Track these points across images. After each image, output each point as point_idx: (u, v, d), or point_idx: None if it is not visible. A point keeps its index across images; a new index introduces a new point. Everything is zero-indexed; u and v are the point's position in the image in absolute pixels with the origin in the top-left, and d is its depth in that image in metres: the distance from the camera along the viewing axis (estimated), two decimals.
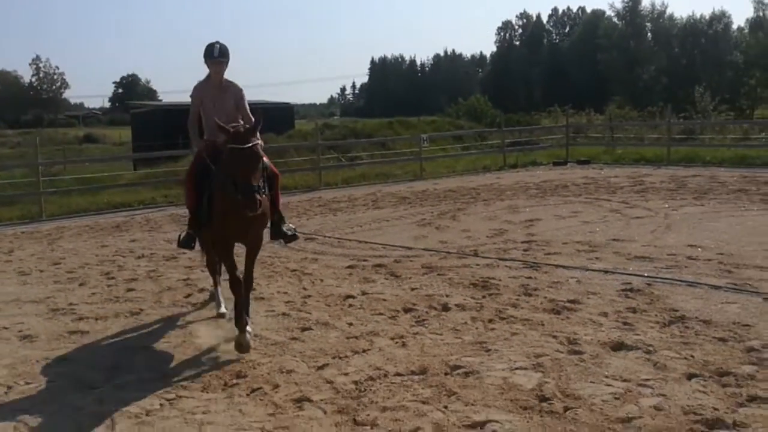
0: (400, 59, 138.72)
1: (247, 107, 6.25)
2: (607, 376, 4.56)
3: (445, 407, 4.21)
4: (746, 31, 58.80)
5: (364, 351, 5.33)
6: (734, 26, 60.11)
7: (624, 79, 56.86)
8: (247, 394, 4.63)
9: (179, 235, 6.16)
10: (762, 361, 4.66)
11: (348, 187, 18.50)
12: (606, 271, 7.38)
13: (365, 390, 4.57)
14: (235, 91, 6.23)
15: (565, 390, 4.37)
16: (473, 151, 24.24)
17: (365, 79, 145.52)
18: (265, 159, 5.65)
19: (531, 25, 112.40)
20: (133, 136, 38.70)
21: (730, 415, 3.87)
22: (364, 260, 8.74)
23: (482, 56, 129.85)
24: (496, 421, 3.98)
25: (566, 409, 4.10)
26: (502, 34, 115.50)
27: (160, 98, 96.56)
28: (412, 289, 7.12)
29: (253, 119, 5.88)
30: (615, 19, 65.58)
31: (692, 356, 4.82)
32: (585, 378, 4.55)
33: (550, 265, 7.79)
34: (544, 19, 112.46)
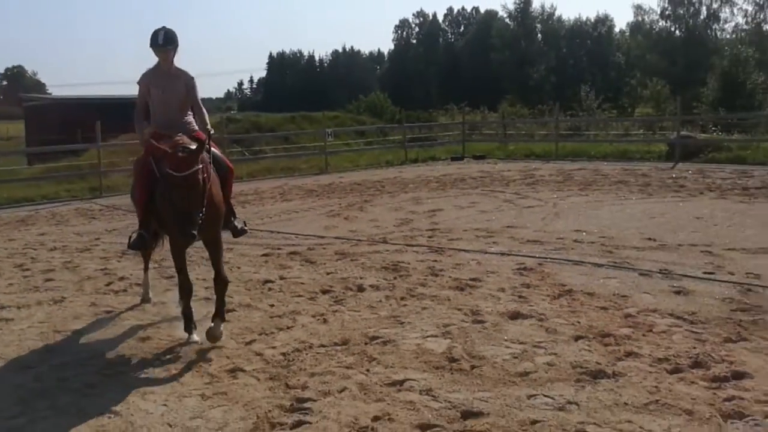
0: (298, 54, 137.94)
1: (199, 97, 5.99)
2: (506, 340, 5.20)
3: (367, 370, 4.72)
4: (627, 34, 62.66)
5: (288, 328, 5.74)
6: (617, 29, 64.00)
7: (516, 78, 59.32)
8: (183, 368, 4.96)
9: (129, 237, 5.88)
10: (637, 325, 5.43)
11: (254, 180, 18.72)
12: (502, 254, 8.11)
13: (293, 360, 5.00)
14: (186, 80, 5.89)
15: (471, 352, 4.97)
16: (375, 146, 24.92)
17: (263, 73, 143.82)
18: (217, 152, 5.60)
19: (427, 24, 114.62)
20: (26, 131, 36.93)
21: (610, 368, 4.58)
22: (279, 249, 9.12)
23: (380, 53, 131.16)
24: (413, 380, 4.52)
25: (473, 367, 4.70)
26: (399, 32, 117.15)
27: (49, 91, 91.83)
28: (328, 273, 7.58)
29: (204, 110, 5.83)
30: (507, 20, 68.12)
31: (578, 322, 5.54)
32: (487, 342, 5.17)
33: (453, 249, 8.45)
34: (440, 18, 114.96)
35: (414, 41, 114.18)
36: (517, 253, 8.06)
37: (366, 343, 5.26)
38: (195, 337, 5.41)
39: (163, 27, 5.79)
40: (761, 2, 51.40)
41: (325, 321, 5.89)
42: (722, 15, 56.59)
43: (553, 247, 8.32)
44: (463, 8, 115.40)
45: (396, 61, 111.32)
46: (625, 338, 5.13)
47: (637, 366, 4.59)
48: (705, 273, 6.89)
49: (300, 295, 6.76)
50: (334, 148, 22.55)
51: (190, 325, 5.50)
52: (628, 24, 64.84)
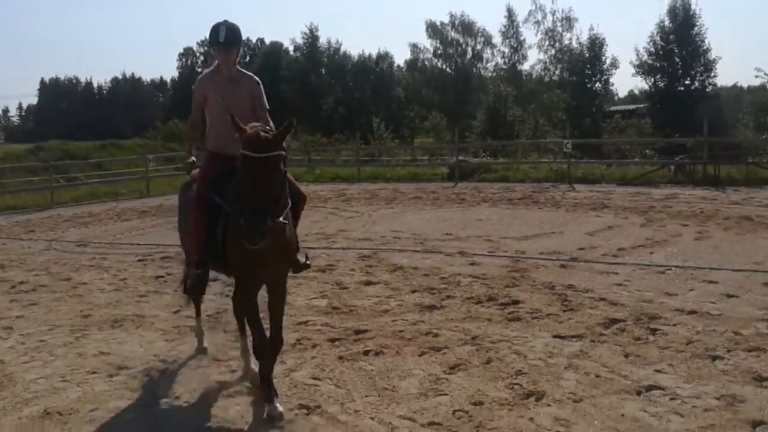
0: (74, 81, 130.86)
1: (266, 104, 5.07)
2: (367, 296, 7.50)
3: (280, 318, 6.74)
4: (405, 70, 68.79)
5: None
6: (396, 65, 69.87)
7: (307, 109, 62.56)
8: (136, 328, 6.63)
9: (183, 282, 5.18)
10: (450, 282, 7.96)
11: (79, 205, 19.32)
12: (343, 248, 10.43)
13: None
14: (249, 85, 5.01)
15: (345, 303, 7.19)
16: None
17: (33, 99, 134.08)
18: (289, 176, 4.48)
19: (212, 53, 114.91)
20: None
21: (438, 304, 7.03)
22: (149, 255, 10.64)
23: (163, 81, 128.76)
24: (313, 320, 6.64)
25: (351, 311, 6.92)
26: (183, 60, 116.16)
27: None
28: None
29: (270, 122, 4.79)
30: (294, 53, 71.33)
31: (412, 284, 7.99)
32: (355, 298, 7.43)
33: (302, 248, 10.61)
34: None
35: (199, 69, 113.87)
36: (354, 248, 10.43)
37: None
38: (279, 407, 4.42)
39: (225, 21, 4.93)
40: (515, 45, 59.50)
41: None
42: (485, 55, 64.45)
43: (380, 242, 10.82)
44: (248, 39, 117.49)
45: (180, 89, 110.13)
46: (444, 289, 7.65)
47: (454, 302, 7.09)
48: (488, 252, 9.75)
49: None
50: (154, 172, 23.52)
51: (272, 392, 4.50)
52: (405, 61, 71.24)
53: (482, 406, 4.46)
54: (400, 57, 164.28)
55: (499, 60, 60.90)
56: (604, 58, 30.26)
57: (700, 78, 31.34)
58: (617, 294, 7.15)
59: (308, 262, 5.05)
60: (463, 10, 75.70)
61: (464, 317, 6.56)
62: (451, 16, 64.33)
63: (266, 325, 4.71)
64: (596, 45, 30.66)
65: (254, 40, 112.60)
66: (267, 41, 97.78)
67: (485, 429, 4.15)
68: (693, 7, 31.50)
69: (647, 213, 13.20)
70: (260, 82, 5.07)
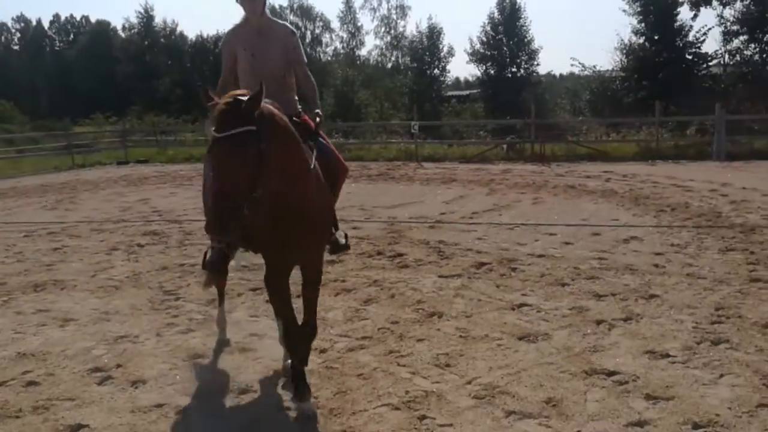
0: None
1: (304, 61, 4.54)
2: None
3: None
4: None
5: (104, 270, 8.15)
6: None
7: (142, 90, 60.51)
8: (60, 290, 7.17)
9: (204, 253, 4.29)
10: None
11: None
12: None
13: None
14: (282, 35, 4.43)
15: (253, 263, 8.12)
16: (28, 153, 25.08)
17: None
18: (327, 143, 4.37)
19: (31, 30, 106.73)
20: None
21: (336, 259, 8.14)
22: (34, 232, 10.82)
23: None
24: (230, 276, 7.52)
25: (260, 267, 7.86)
26: None
27: None
28: (101, 241, 9.84)
29: (313, 80, 4.52)
30: (125, 33, 68.38)
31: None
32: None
33: (186, 220, 11.28)
34: (46, 25, 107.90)
35: (16, 47, 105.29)
36: None
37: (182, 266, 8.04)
38: (311, 407, 4.04)
39: None
40: (353, 31, 61.21)
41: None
42: (324, 40, 65.62)
43: None
44: (71, 15, 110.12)
45: None
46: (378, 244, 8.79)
47: (350, 257, 8.18)
48: (365, 219, 11.01)
49: (82, 256, 9.03)
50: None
51: (305, 388, 4.10)
52: None
53: (398, 324, 5.68)
54: None
55: (338, 45, 62.45)
56: (441, 46, 32.70)
57: (525, 66, 34.86)
58: (480, 245, 8.66)
59: (347, 242, 4.64)
60: None
61: (362, 267, 7.75)
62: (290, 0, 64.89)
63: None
64: (434, 33, 32.98)
65: (78, 18, 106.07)
66: (92, 19, 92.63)
67: (406, 337, 5.37)
68: (518, 1, 35.10)
69: (489, 185, 15.12)
70: (295, 32, 4.52)
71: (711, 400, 4.01)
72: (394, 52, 56.15)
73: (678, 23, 27.77)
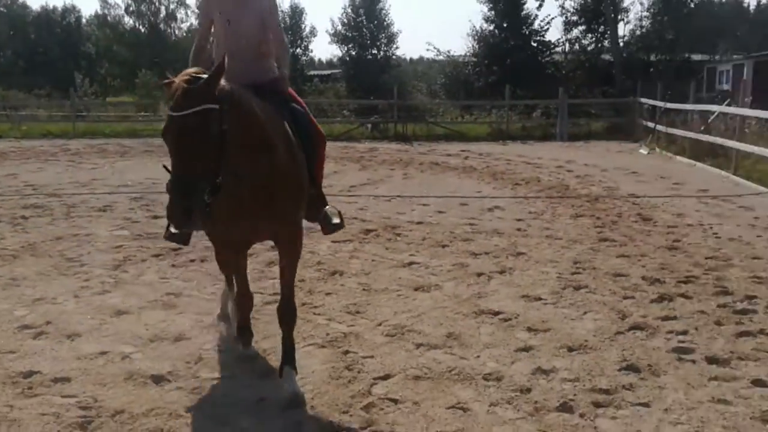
0: None
1: (279, 24, 4.37)
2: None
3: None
4: (96, 25, 64.43)
5: None
6: (84, 20, 65.01)
7: None
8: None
9: (167, 227, 4.16)
10: None
11: None
12: (110, 193, 11.15)
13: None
14: (257, 2, 4.17)
15: (146, 231, 8.30)
16: None
17: None
18: (300, 107, 4.21)
19: None
20: None
21: None
22: None
23: None
24: (128, 245, 7.69)
25: (155, 236, 8.07)
26: None
27: None
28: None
29: (286, 44, 4.43)
30: None
31: None
32: (155, 227, 8.54)
33: (63, 194, 11.08)
34: None
35: None
36: (121, 192, 11.21)
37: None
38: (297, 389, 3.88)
39: None
40: None
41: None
42: (179, 15, 63.23)
43: (145, 188, 11.72)
44: None
45: None
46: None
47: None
48: None
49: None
50: None
51: (247, 334, 4.41)
52: (95, 16, 66.62)
53: (305, 282, 6.21)
54: (90, 11, 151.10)
55: (194, 21, 60.54)
56: (303, 26, 32.86)
57: (385, 48, 35.92)
58: (364, 214, 9.34)
59: (341, 221, 4.39)
60: None
61: None
62: None
63: None
64: (296, 13, 33.11)
65: None
66: None
67: (315, 292, 5.93)
68: None
69: (360, 161, 15.88)
70: None
71: (579, 331, 4.92)
72: None
73: (524, 12, 29.78)
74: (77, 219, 9.07)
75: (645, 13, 29.37)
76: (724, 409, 3.72)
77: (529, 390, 3.97)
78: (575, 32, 29.69)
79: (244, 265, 4.24)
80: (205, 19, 4.29)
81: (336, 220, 4.34)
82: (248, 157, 3.40)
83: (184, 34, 59.17)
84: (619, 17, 29.16)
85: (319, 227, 4.49)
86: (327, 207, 4.37)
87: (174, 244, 4.88)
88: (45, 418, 3.66)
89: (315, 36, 37.12)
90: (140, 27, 60.25)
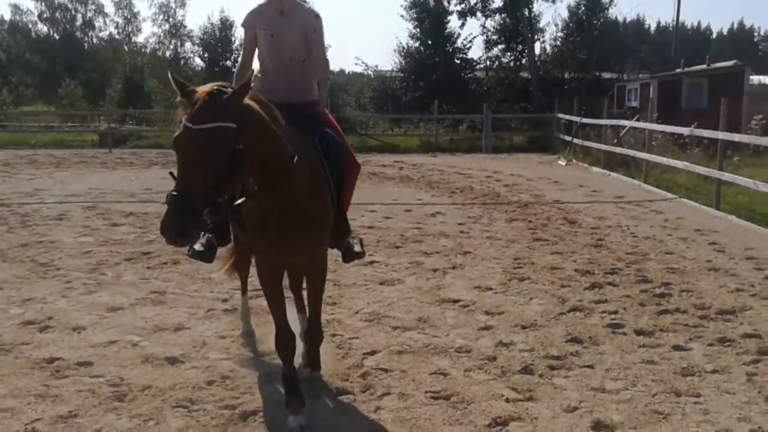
0: None
1: (323, 44, 4.24)
2: (125, 233, 9.02)
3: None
4: (5, 32, 62.16)
5: None
6: None
7: None
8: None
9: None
10: None
11: None
12: (60, 203, 11.34)
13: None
14: (303, 18, 4.13)
15: (109, 238, 8.66)
16: None
17: None
18: (332, 132, 4.03)
19: None
20: None
21: None
22: None
23: None
24: (97, 250, 8.05)
25: (117, 242, 8.46)
26: None
27: None
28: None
29: (328, 68, 4.36)
30: None
31: (153, 224, 9.68)
32: (114, 233, 8.91)
33: (11, 204, 11.20)
34: None
35: None
36: (71, 201, 11.42)
37: None
38: (301, 420, 3.74)
39: None
40: (129, 17, 58.64)
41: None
42: (97, 24, 61.77)
43: (93, 197, 11.94)
44: None
45: None
46: None
47: None
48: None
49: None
50: None
51: (296, 399, 3.82)
52: (3, 21, 64.29)
53: None
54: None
55: (113, 30, 59.46)
56: (233, 38, 33.10)
57: None
58: None
59: (362, 249, 4.29)
60: None
61: None
62: None
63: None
64: (226, 26, 33.27)
65: None
66: None
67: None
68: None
69: None
70: (320, 15, 4.18)
71: (528, 313, 5.74)
72: (173, 41, 54.93)
73: (448, 30, 31.02)
74: (35, 227, 9.31)
75: (559, 34, 31.17)
76: (652, 368, 4.58)
77: (495, 358, 4.74)
78: (495, 51, 31.18)
79: (280, 295, 3.89)
80: (250, 35, 4.22)
81: (357, 249, 4.23)
82: (265, 181, 3.26)
83: (102, 43, 57.98)
84: (536, 37, 30.86)
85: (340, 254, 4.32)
86: (350, 235, 4.25)
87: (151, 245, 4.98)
88: (82, 393, 4.15)
89: None
90: (54, 34, 58.68)
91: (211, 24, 34.72)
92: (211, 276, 6.60)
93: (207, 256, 3.98)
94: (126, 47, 54.95)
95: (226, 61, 32.90)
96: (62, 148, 22.34)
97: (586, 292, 6.34)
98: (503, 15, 30.75)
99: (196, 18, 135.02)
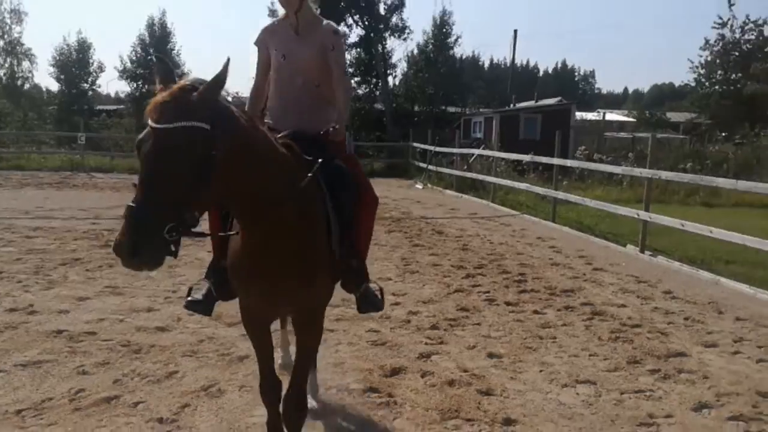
0: None
1: (343, 64, 3.72)
2: (48, 243, 9.74)
3: None
4: None
5: None
6: None
7: None
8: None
9: (190, 288, 3.59)
10: (92, 233, 10.69)
11: None
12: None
13: None
14: (319, 35, 3.66)
15: (33, 248, 9.38)
16: None
17: None
18: (340, 162, 3.48)
19: None
20: None
21: (101, 243, 9.87)
22: None
23: None
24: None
25: (39, 251, 9.22)
26: None
27: None
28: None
29: (348, 91, 3.79)
30: None
31: (73, 235, 10.41)
32: (32, 243, 9.61)
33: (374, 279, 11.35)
34: None
35: None
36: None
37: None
38: None
39: None
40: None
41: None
42: None
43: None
44: None
45: None
46: (96, 236, 10.41)
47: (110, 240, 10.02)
48: (94, 217, 12.48)
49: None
50: None
51: None
52: None
53: None
54: None
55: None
56: (91, 61, 32.62)
57: None
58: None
59: (381, 300, 3.74)
60: None
61: None
62: None
63: None
64: (84, 48, 32.71)
65: None
66: None
67: None
68: (169, 25, 36.85)
69: None
70: (339, 31, 3.72)
71: (425, 294, 7.43)
72: (8, 59, 52.20)
73: None
74: None
75: (410, 71, 33.99)
76: (520, 324, 6.40)
77: (409, 321, 6.36)
78: (352, 83, 33.41)
79: (266, 342, 3.41)
80: (263, 54, 3.78)
81: (374, 300, 3.65)
82: (242, 200, 2.74)
83: None
84: (389, 72, 33.43)
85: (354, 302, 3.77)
86: (369, 283, 3.63)
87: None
88: (103, 350, 5.26)
89: (103, 71, 36.90)
90: None
91: (68, 45, 34.10)
92: (150, 276, 7.69)
93: (204, 308, 3.45)
94: None
95: (82, 83, 32.47)
96: None
97: (464, 280, 8.16)
98: (359, 49, 33.06)
99: (34, 35, 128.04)
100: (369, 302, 3.68)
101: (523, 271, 8.74)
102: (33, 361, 4.98)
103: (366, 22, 32.24)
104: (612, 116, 47.98)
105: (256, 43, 3.83)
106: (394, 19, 33.03)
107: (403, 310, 6.76)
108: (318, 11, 3.78)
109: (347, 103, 3.71)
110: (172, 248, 2.38)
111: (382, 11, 32.69)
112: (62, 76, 34.44)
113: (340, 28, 3.80)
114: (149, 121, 2.37)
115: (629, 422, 4.26)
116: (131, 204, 2.29)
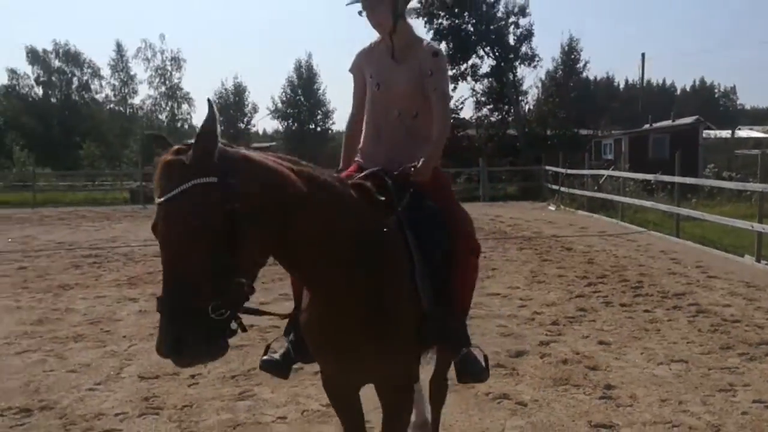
0: None
1: (445, 90, 3.20)
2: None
3: None
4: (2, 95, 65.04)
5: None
6: None
7: None
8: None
9: (266, 346, 3.19)
10: None
11: None
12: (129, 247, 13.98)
13: None
14: (416, 60, 3.18)
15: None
16: None
17: None
18: (431, 202, 3.01)
19: None
20: None
21: None
22: None
23: None
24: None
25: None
26: None
27: None
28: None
29: (447, 122, 3.22)
30: None
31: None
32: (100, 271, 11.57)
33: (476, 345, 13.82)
34: None
35: None
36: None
37: None
38: None
39: None
40: (125, 79, 61.70)
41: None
42: (93, 86, 64.69)
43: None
44: None
45: None
46: None
47: None
48: None
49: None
50: None
51: None
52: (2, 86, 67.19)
53: None
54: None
55: (110, 92, 62.36)
56: (247, 103, 36.15)
57: (321, 123, 39.94)
58: None
59: (487, 368, 3.04)
60: (68, 39, 74.97)
61: None
62: (55, 44, 62.91)
63: None
64: (240, 91, 36.33)
65: None
66: None
67: None
68: (315, 67, 40.22)
69: None
70: (440, 51, 3.23)
71: (549, 298, 8.52)
72: (169, 103, 57.81)
73: None
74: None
75: (541, 96, 34.80)
76: (630, 321, 7.35)
77: (533, 319, 7.49)
78: (485, 110, 34.70)
79: (349, 409, 3.11)
80: (359, 81, 3.42)
81: (476, 368, 3.00)
82: (290, 257, 2.42)
83: (104, 107, 60.92)
84: (520, 98, 34.42)
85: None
86: (470, 347, 3.03)
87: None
88: (128, 328, 6.90)
89: (256, 112, 41.00)
90: (51, 98, 61.38)
91: (225, 89, 37.92)
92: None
93: (280, 370, 3.08)
94: (122, 109, 57.87)
95: (239, 123, 35.98)
96: (97, 205, 24.99)
97: (585, 288, 9.14)
98: (490, 79, 34.31)
99: (193, 80, 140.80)
100: (469, 371, 2.99)
101: (641, 279, 9.58)
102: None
103: (497, 53, 33.45)
104: (749, 132, 46.07)
105: (350, 70, 3.42)
106: (523, 49, 34.03)
107: (528, 310, 7.90)
108: (417, 18, 3.42)
109: (443, 136, 3.14)
110: (227, 329, 2.06)
111: (511, 41, 33.82)
112: (221, 118, 38.15)
113: (439, 47, 3.29)
114: (157, 199, 2.08)
115: (710, 389, 5.21)
116: (159, 296, 2.00)
